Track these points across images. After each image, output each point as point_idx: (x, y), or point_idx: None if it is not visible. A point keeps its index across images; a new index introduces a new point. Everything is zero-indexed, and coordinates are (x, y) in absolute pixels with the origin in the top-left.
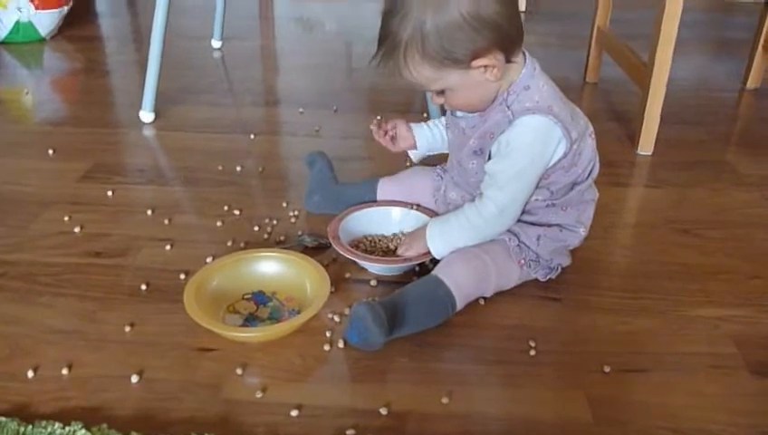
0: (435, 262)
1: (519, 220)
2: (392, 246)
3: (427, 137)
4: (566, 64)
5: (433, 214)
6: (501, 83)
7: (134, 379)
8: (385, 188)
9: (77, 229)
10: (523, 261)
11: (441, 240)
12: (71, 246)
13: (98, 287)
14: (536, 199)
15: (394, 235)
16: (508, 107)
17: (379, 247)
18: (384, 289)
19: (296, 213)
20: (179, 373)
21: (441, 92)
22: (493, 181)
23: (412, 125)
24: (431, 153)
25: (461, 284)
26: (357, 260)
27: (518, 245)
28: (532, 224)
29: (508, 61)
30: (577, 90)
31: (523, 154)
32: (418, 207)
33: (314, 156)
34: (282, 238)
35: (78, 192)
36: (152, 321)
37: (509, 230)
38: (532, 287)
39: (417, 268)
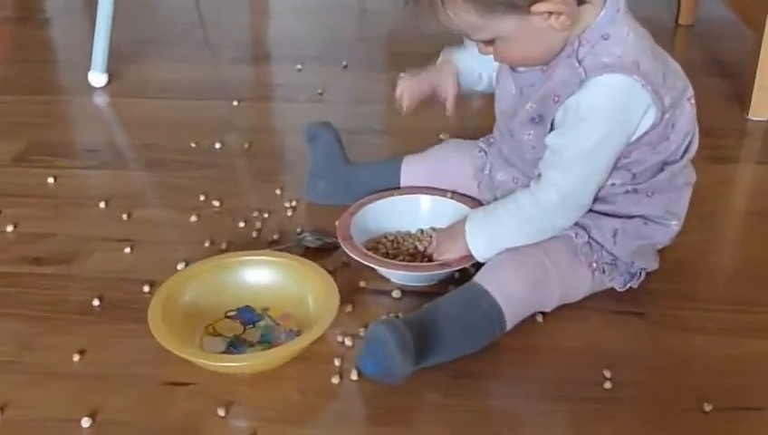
0: (477, 266)
1: (590, 210)
2: (421, 248)
3: (471, 73)
4: (653, 1)
5: (475, 203)
6: (570, 31)
7: (85, 422)
8: (411, 170)
9: (9, 229)
10: (594, 264)
11: (485, 238)
12: (1, 251)
13: (37, 304)
14: (613, 184)
15: (423, 232)
16: (579, 62)
17: (404, 249)
18: (410, 302)
19: (294, 204)
20: (144, 415)
21: (490, 42)
22: (556, 159)
23: (454, 56)
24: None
25: (512, 294)
26: (375, 267)
27: (588, 242)
28: (608, 215)
29: (581, 2)
30: (667, 35)
31: (598, 125)
32: (455, 194)
33: (317, 128)
34: (275, 237)
35: (9, 180)
36: (108, 347)
37: (577, 223)
38: (607, 299)
39: (456, 275)
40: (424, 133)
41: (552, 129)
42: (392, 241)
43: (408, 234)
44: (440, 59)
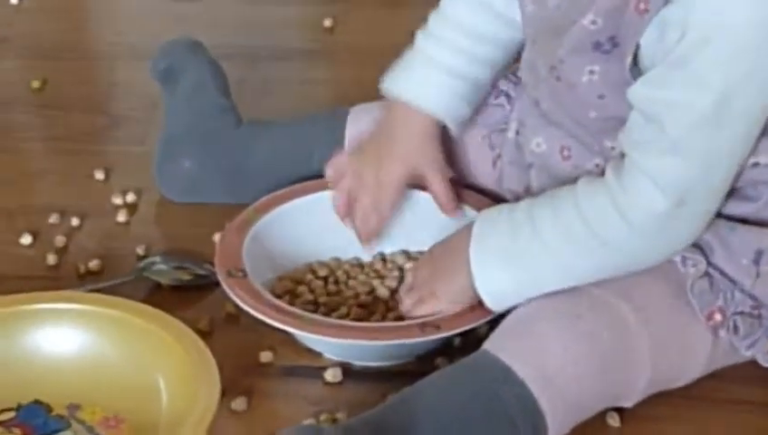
0: (490, 323)
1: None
2: (383, 290)
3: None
4: None
5: (486, 201)
6: None
7: None
8: (364, 134)
9: None
10: (719, 316)
11: (508, 273)
12: None
13: None
14: (756, 163)
15: (386, 260)
16: None
17: (350, 293)
18: (358, 391)
19: (131, 199)
20: None
21: None
22: (652, 131)
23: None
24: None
25: (558, 377)
26: (290, 329)
27: (707, 275)
28: (746, 222)
29: None
30: None
31: (728, 61)
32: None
33: (178, 54)
34: (93, 266)
35: None
36: None
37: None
38: (746, 384)
39: (456, 341)
40: (397, 56)
41: (636, 66)
42: (326, 277)
43: (359, 263)
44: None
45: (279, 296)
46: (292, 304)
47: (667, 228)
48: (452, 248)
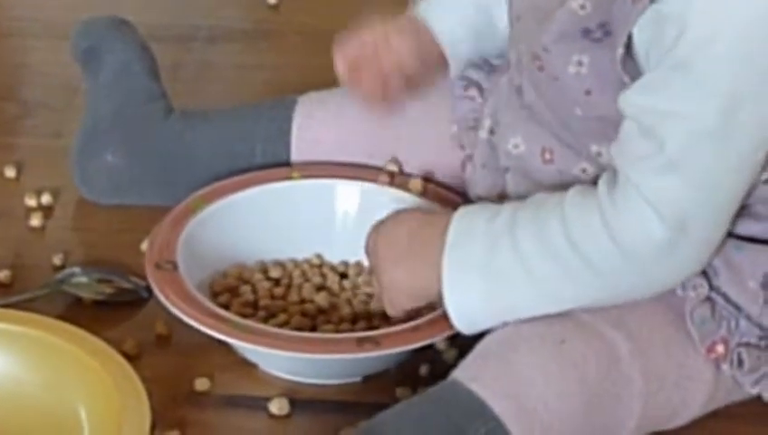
0: (459, 344)
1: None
2: (342, 297)
3: (461, 20)
4: None
5: (452, 197)
6: None
7: None
8: (314, 125)
9: None
10: (721, 347)
11: (483, 289)
12: None
13: None
14: (766, 181)
15: (346, 264)
16: None
17: (296, 299)
18: (314, 424)
19: (46, 200)
20: None
21: None
22: (652, 143)
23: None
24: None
25: (541, 415)
26: (229, 340)
27: (709, 299)
28: (753, 241)
29: None
30: None
31: (733, 66)
32: (406, 178)
33: (101, 33)
34: (3, 278)
35: None
36: None
37: None
38: (748, 423)
39: (422, 369)
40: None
41: (629, 59)
42: (278, 279)
43: (308, 264)
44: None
45: (217, 294)
46: (229, 304)
47: (665, 258)
48: (423, 242)
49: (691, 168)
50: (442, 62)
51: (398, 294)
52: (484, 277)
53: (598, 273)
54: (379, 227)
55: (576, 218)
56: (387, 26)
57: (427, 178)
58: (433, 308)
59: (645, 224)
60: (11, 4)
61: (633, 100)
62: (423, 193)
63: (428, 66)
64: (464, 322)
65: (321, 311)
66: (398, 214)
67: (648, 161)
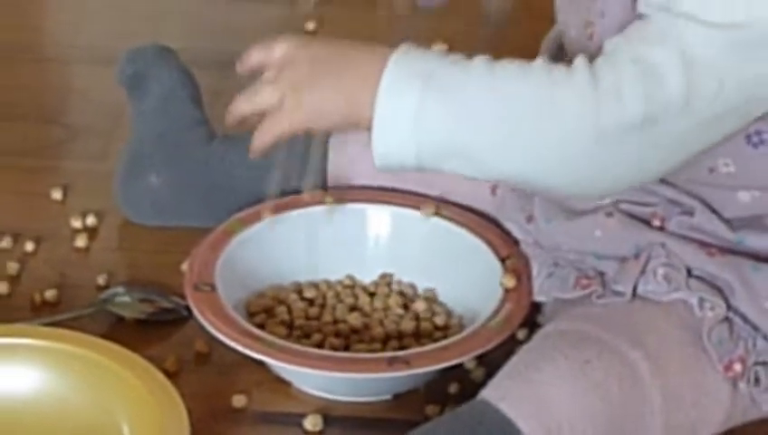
0: (484, 361)
1: (732, 252)
2: (367, 318)
3: None
4: None
5: (485, 224)
6: None
7: None
8: (351, 148)
9: None
10: (739, 366)
11: (426, 91)
12: None
13: None
14: None
15: (391, 283)
16: None
17: (330, 319)
18: None
19: (93, 221)
20: None
21: None
22: (657, 31)
23: None
24: None
25: (564, 430)
26: (265, 359)
27: (727, 319)
28: None
29: None
30: None
31: None
32: (442, 204)
33: (147, 60)
34: (49, 297)
35: None
36: None
37: (703, 280)
38: None
39: (452, 388)
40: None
41: None
42: (312, 299)
43: (341, 285)
44: None
45: (253, 314)
46: (264, 324)
47: (625, 136)
48: (352, 57)
49: (692, 59)
50: None
51: (316, 111)
52: (433, 81)
53: (556, 100)
54: (294, 41)
55: (560, 68)
56: None
57: (443, 200)
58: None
59: (618, 92)
60: (53, 29)
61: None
62: (437, 214)
63: None
64: (382, 147)
65: (353, 331)
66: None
67: (648, 40)
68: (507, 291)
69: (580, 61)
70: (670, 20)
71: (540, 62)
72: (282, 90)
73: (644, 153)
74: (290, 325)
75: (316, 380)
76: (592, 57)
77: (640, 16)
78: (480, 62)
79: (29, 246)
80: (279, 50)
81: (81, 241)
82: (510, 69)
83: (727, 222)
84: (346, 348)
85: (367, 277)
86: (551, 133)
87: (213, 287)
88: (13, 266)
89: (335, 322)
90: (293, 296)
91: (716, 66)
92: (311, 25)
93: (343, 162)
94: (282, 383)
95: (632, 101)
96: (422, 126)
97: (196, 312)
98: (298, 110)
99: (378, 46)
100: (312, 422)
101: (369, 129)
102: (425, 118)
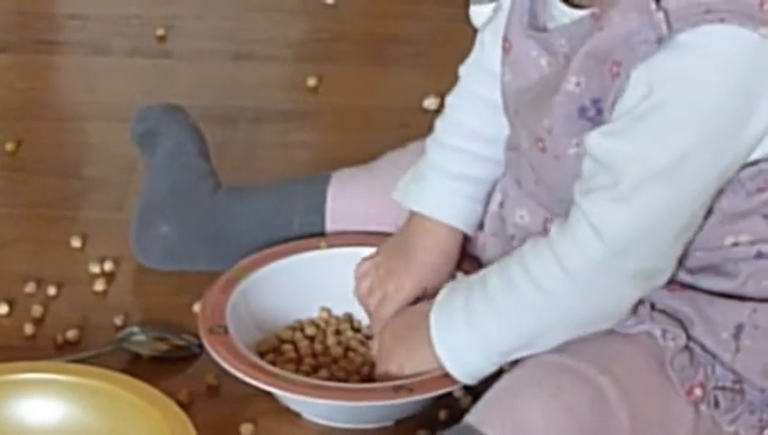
0: (475, 393)
1: (692, 287)
2: (369, 354)
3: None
4: None
5: (469, 264)
6: None
7: None
8: (347, 199)
9: None
10: (699, 391)
11: (462, 331)
12: None
13: None
14: (736, 243)
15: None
16: (657, 3)
17: (335, 353)
18: None
19: (109, 267)
20: None
21: None
22: (609, 178)
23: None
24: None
25: None
26: (274, 391)
27: (687, 348)
28: (726, 297)
29: None
30: None
31: (684, 124)
32: None
33: (158, 117)
34: (71, 337)
35: None
36: None
37: (666, 313)
38: None
39: (441, 414)
40: (384, 118)
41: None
42: (313, 337)
43: (350, 319)
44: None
45: (263, 354)
46: (275, 362)
47: (601, 279)
48: (415, 316)
49: (638, 202)
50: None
51: (398, 365)
52: (463, 322)
53: (548, 296)
54: (391, 323)
55: (530, 251)
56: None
57: None
58: None
59: (585, 244)
60: (70, 89)
61: (598, 141)
62: None
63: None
64: (457, 368)
65: (359, 364)
66: (396, 317)
67: (602, 193)
68: None
69: (539, 245)
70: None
71: (515, 266)
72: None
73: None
74: (298, 362)
75: (323, 409)
76: (549, 166)
77: (583, 130)
78: (479, 296)
79: (51, 291)
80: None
81: (99, 285)
82: (501, 289)
83: (686, 268)
84: (346, 380)
85: (364, 316)
86: (569, 319)
87: (225, 329)
88: (37, 310)
89: (336, 360)
90: (298, 335)
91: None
92: (312, 82)
93: (341, 209)
94: (286, 413)
95: (592, 253)
96: (478, 361)
97: (212, 353)
98: (398, 363)
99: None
100: None
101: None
102: (474, 355)
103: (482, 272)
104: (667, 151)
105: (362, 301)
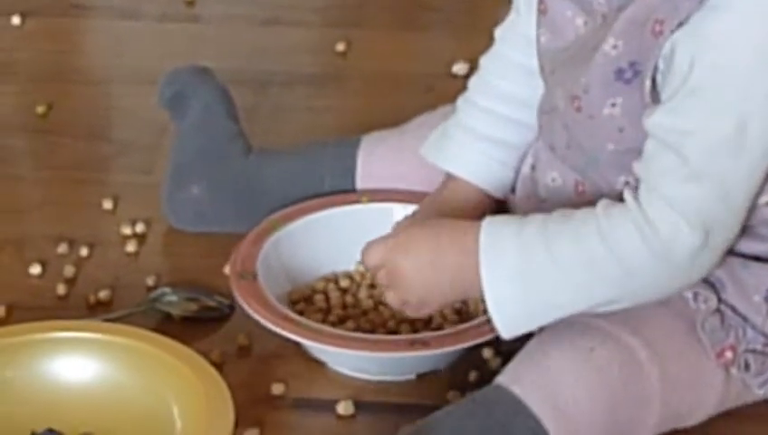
0: (505, 354)
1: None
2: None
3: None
4: None
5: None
6: None
7: None
8: (376, 161)
9: None
10: (730, 353)
11: (521, 291)
12: None
13: None
14: None
15: None
16: None
17: (368, 306)
18: (376, 423)
19: (141, 229)
20: None
21: None
22: (675, 158)
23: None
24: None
25: (571, 410)
26: (302, 340)
27: (718, 311)
28: (759, 260)
29: None
30: None
31: (740, 83)
32: None
33: (187, 80)
34: (104, 297)
35: None
36: None
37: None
38: (758, 422)
39: (471, 375)
40: (412, 83)
41: (654, 91)
42: (346, 289)
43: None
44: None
45: (294, 302)
46: (304, 311)
47: (694, 261)
48: (450, 258)
49: (711, 177)
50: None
51: (428, 308)
52: (522, 283)
53: (631, 275)
54: (391, 246)
55: (610, 226)
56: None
57: None
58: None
59: (676, 231)
60: (101, 54)
61: (658, 121)
62: None
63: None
64: (506, 326)
65: (388, 317)
66: (408, 232)
67: (673, 173)
68: None
69: (622, 221)
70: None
71: (589, 224)
72: (400, 298)
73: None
74: (327, 312)
75: (347, 359)
76: (583, 125)
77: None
78: (539, 242)
79: (83, 252)
80: (375, 257)
81: (131, 246)
82: (570, 251)
83: None
84: (373, 331)
85: None
86: (641, 290)
87: (254, 276)
88: (69, 270)
89: (365, 312)
90: (331, 286)
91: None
92: (340, 47)
93: (370, 170)
94: (316, 373)
95: (690, 235)
96: (531, 319)
97: (238, 298)
98: (419, 310)
99: (456, 234)
100: (344, 407)
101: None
102: (531, 314)
103: (534, 222)
104: (727, 120)
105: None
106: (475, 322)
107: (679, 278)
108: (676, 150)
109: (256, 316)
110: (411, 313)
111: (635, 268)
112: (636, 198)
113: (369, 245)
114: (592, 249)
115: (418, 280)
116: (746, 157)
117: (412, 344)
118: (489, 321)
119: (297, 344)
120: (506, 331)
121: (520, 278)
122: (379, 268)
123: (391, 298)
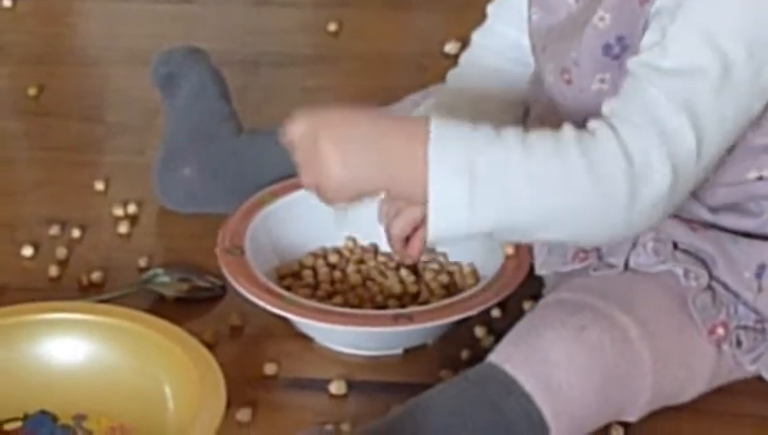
0: (498, 332)
1: (714, 226)
2: (387, 284)
3: None
4: None
5: None
6: None
7: None
8: None
9: None
10: (721, 329)
11: (467, 173)
12: None
13: None
14: (760, 177)
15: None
16: None
17: (356, 281)
18: (364, 403)
19: (132, 210)
20: None
21: None
22: (655, 94)
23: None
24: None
25: (564, 389)
26: (290, 316)
27: (710, 288)
28: (749, 236)
29: None
30: None
31: (737, 24)
32: None
33: (178, 60)
34: (96, 278)
35: None
36: None
37: (688, 253)
38: (750, 397)
39: (463, 354)
40: (404, 63)
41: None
42: (333, 265)
43: (362, 250)
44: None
45: (282, 278)
46: (292, 286)
47: (659, 205)
48: (381, 145)
49: (690, 116)
50: None
51: (344, 194)
52: (469, 175)
53: (597, 180)
54: (318, 121)
55: (595, 143)
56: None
57: None
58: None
59: (649, 164)
60: (92, 35)
61: (644, 58)
62: None
63: None
64: (437, 224)
65: (376, 292)
66: (343, 111)
67: (654, 110)
68: (507, 257)
69: (605, 133)
70: (661, 79)
71: (569, 133)
72: (314, 178)
73: (669, 206)
74: (315, 287)
75: (332, 334)
76: (572, 99)
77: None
78: (515, 143)
79: (75, 233)
80: (297, 130)
81: (123, 227)
82: (544, 148)
83: (709, 207)
84: (359, 306)
85: (386, 245)
86: (590, 209)
87: (242, 251)
88: (61, 251)
89: (353, 287)
90: (320, 262)
91: (715, 108)
92: (332, 27)
93: None
94: (309, 352)
95: (661, 173)
96: (474, 217)
97: (225, 273)
98: (335, 195)
99: (402, 121)
100: (336, 387)
101: (413, 202)
102: (475, 211)
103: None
104: (711, 62)
105: (381, 220)
106: (460, 297)
107: (633, 219)
108: (658, 87)
109: (242, 291)
110: (323, 198)
111: (602, 172)
112: (613, 126)
113: (295, 115)
114: (569, 159)
115: (339, 160)
116: (726, 104)
117: (396, 319)
118: (474, 296)
119: (289, 324)
120: (437, 229)
121: (469, 170)
122: (298, 142)
123: (305, 179)
